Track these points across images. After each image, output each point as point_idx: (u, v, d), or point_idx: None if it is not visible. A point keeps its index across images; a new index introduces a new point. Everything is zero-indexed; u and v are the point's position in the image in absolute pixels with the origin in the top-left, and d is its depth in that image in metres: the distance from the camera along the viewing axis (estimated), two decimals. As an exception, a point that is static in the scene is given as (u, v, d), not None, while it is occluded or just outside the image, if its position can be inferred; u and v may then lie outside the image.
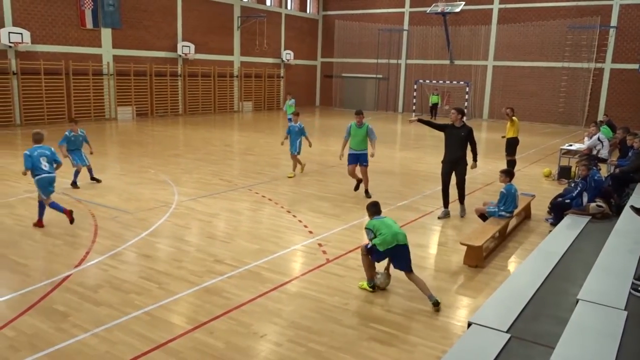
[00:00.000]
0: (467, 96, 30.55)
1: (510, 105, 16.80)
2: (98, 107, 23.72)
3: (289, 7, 34.48)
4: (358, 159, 10.59)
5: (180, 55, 26.92)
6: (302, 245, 7.73)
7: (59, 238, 7.71)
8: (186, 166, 13.59)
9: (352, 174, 10.81)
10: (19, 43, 20.12)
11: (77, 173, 11.02)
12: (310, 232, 8.32)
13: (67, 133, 11.20)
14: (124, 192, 10.57)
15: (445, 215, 9.44)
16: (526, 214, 9.56)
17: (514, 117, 12.68)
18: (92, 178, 11.40)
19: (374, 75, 34.80)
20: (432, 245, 8.14)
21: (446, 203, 9.54)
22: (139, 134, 20.14)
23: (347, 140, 10.84)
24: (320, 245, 7.71)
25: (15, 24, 20.23)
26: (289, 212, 9.45)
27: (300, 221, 8.91)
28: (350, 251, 7.47)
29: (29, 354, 4.62)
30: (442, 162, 9.51)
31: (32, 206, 9.35)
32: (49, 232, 7.96)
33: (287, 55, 34.03)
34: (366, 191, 10.73)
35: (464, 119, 9.47)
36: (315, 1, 36.76)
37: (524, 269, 5.87)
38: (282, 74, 34.39)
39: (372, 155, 10.56)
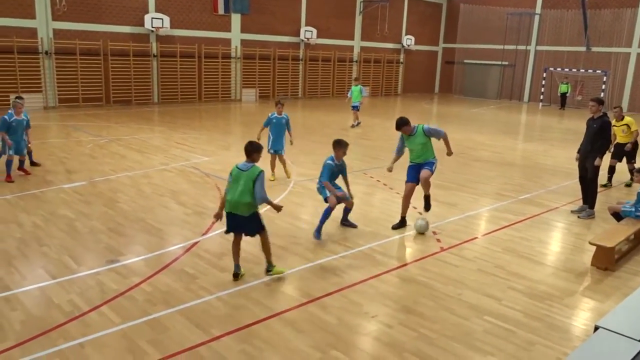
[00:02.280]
0: (603, 86, 27.96)
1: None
2: (225, 88, 25.20)
3: (412, -9, 33.80)
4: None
5: (302, 40, 27.62)
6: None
7: (190, 207, 8.37)
8: (304, 147, 13.99)
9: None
10: (160, 28, 21.93)
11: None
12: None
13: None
14: (246, 169, 11.16)
15: (581, 210, 8.75)
16: (669, 217, 8.59)
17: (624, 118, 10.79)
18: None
19: (499, 62, 33.05)
20: (555, 243, 7.64)
21: (584, 198, 8.83)
22: (261, 115, 21.06)
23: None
24: (434, 233, 7.58)
25: (157, 10, 22.06)
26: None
27: (414, 208, 8.81)
28: (465, 241, 7.27)
29: (163, 308, 5.11)
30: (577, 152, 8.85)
31: (167, 177, 10.25)
32: (181, 201, 8.67)
33: (408, 40, 33.45)
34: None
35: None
36: (440, -16, 35.63)
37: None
38: (401, 60, 33.93)
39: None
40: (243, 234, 5.90)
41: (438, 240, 7.27)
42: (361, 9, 30.35)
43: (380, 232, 7.56)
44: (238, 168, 5.84)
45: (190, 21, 23.37)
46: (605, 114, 8.45)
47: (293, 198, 9.15)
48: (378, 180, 10.63)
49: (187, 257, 6.40)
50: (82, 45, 20.23)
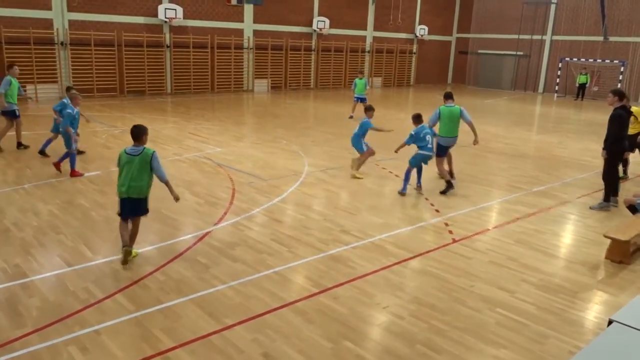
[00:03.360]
0: (620, 77, 27.51)
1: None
2: (237, 79, 25.21)
3: (426, -19, 33.43)
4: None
5: (315, 30, 27.50)
6: (428, 223, 7.65)
7: (203, 198, 8.43)
8: (316, 138, 14.00)
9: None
10: (173, 18, 21.97)
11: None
12: (437, 210, 8.18)
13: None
14: (259, 160, 11.21)
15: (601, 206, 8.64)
16: (686, 210, 8.47)
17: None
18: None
19: (514, 52, 32.64)
20: (569, 236, 7.58)
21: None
22: (273, 106, 21.10)
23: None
24: (446, 224, 7.56)
25: (170, 0, 22.09)
26: (415, 189, 9.36)
27: (427, 199, 8.80)
28: (477, 233, 7.24)
29: (176, 297, 5.17)
30: None
31: (180, 167, 10.32)
32: (194, 191, 8.73)
33: (422, 30, 33.14)
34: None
35: (625, 101, 8.43)
36: (455, -27, 35.19)
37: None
38: (414, 50, 33.66)
39: None
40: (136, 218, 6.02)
41: (450, 232, 7.25)
42: (374, -1, 30.12)
43: (392, 223, 7.56)
44: (127, 153, 5.85)
45: (203, 12, 23.36)
46: (622, 106, 8.31)
47: (305, 189, 9.17)
48: (390, 172, 10.61)
49: (200, 246, 6.46)
50: (97, 36, 20.36)
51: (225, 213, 7.72)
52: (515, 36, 32.24)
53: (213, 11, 23.67)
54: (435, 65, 35.59)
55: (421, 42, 33.89)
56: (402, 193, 8.98)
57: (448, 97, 9.85)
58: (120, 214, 5.95)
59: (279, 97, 24.27)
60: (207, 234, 6.88)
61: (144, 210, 6.06)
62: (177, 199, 6.07)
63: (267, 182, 9.50)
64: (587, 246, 7.07)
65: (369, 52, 30.79)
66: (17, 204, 7.79)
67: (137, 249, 6.24)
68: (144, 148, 5.88)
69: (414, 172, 9.11)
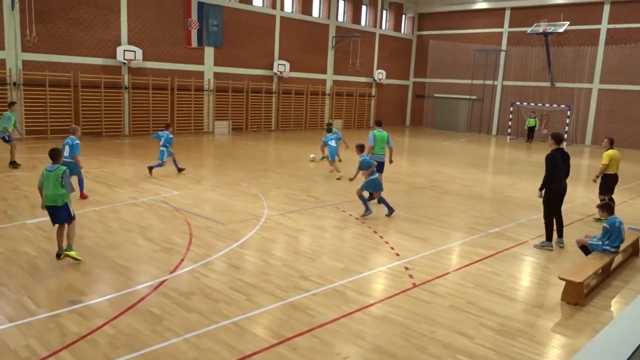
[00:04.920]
0: (568, 120, 28.88)
1: (610, 135, 12.65)
2: (198, 121, 25.10)
3: (383, 27, 34.65)
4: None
5: (275, 73, 27.87)
6: (388, 267, 7.62)
7: (158, 244, 8.17)
8: (276, 181, 13.94)
9: None
10: (132, 60, 21.85)
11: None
12: (397, 254, 8.18)
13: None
14: (218, 204, 11.03)
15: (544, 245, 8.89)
16: (634, 250, 8.78)
17: (609, 150, 10.87)
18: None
19: (468, 96, 33.94)
20: (525, 278, 7.69)
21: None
22: (233, 148, 21.02)
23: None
24: (406, 268, 7.55)
25: (130, 42, 22.03)
26: (375, 232, 9.37)
27: (386, 242, 8.80)
28: (438, 277, 7.25)
29: (126, 352, 4.90)
30: None
31: (135, 212, 10.03)
32: (149, 237, 8.46)
33: (380, 74, 34.13)
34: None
35: (564, 144, 8.91)
36: (410, 21, 36.66)
37: (634, 311, 5.36)
38: (373, 93, 34.51)
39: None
40: (65, 224, 7.25)
41: (410, 276, 7.23)
42: (333, 44, 30.92)
43: (352, 267, 7.50)
44: (47, 170, 7.31)
45: (163, 54, 23.36)
46: (558, 149, 8.72)
47: (264, 233, 9.03)
48: (350, 215, 10.61)
49: (154, 297, 6.19)
50: (52, 76, 19.97)
51: (182, 260, 7.48)
52: (469, 81, 33.59)
53: (173, 53, 23.71)
54: (394, 108, 36.53)
55: (380, 85, 34.82)
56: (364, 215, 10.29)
57: (379, 124, 12.34)
58: (52, 222, 7.27)
59: (239, 139, 24.23)
60: (162, 282, 6.63)
61: (66, 218, 7.26)
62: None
63: (225, 226, 9.32)
64: (543, 288, 7.17)
65: (329, 95, 31.35)
66: (-43, 253, 7.35)
67: (87, 301, 5.94)
68: (58, 166, 7.34)
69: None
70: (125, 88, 22.27)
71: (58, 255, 7.24)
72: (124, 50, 21.62)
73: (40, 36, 19.43)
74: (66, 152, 10.71)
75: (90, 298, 6.06)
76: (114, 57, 21.59)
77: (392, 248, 8.49)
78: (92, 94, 21.24)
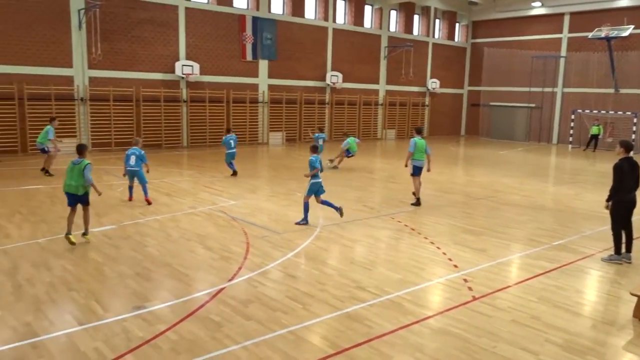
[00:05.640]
0: (634, 128, 27.47)
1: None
2: (252, 132, 25.62)
3: (436, 36, 34.27)
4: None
5: (328, 85, 28.08)
6: (446, 279, 7.45)
7: (216, 252, 8.35)
8: (329, 191, 13.92)
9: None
10: (190, 74, 22.61)
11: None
12: (455, 266, 7.99)
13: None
14: (273, 213, 11.17)
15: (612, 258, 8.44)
16: None
17: None
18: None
19: (526, 104, 32.93)
20: (593, 293, 7.31)
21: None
22: (287, 158, 21.26)
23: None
24: (465, 280, 7.36)
25: (187, 57, 22.82)
26: (432, 243, 9.21)
27: (444, 253, 8.62)
28: (498, 290, 7.02)
29: (187, 358, 5.01)
30: None
31: (195, 221, 10.30)
32: (208, 246, 8.66)
33: (433, 83, 33.73)
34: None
35: (631, 153, 8.42)
36: (464, 29, 36.10)
37: None
38: (427, 103, 34.12)
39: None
40: (78, 206, 8.59)
41: (470, 289, 7.04)
42: (386, 54, 30.84)
43: (409, 279, 7.38)
44: (73, 163, 8.49)
45: (219, 68, 24.04)
46: (627, 158, 8.27)
47: (319, 243, 9.06)
48: (406, 225, 10.48)
49: (213, 304, 6.32)
50: (116, 91, 20.96)
51: (240, 268, 7.61)
52: (527, 89, 32.60)
53: (229, 67, 24.36)
54: (448, 118, 35.96)
55: (433, 95, 34.40)
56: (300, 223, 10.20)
57: (419, 131, 12.69)
58: (68, 204, 8.58)
59: (293, 149, 24.50)
60: (220, 290, 6.76)
61: (84, 202, 8.62)
62: (99, 193, 8.86)
63: (281, 235, 9.41)
64: (614, 304, 6.80)
65: (381, 105, 31.25)
66: (31, 259, 7.77)
67: (150, 306, 6.15)
68: (82, 160, 8.49)
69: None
70: (184, 101, 23.04)
71: (67, 235, 8.43)
72: (182, 65, 22.42)
73: (104, 54, 20.44)
74: (132, 162, 11.55)
75: (153, 304, 6.26)
76: (173, 72, 22.42)
77: (450, 259, 8.31)
78: (152, 108, 22.12)
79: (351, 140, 18.01)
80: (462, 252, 8.70)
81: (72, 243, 8.39)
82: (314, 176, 10.21)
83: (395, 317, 6.08)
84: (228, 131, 16.30)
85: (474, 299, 6.69)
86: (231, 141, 15.56)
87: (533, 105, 32.65)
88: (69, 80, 19.96)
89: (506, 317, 6.17)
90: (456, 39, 35.77)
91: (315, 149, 10.53)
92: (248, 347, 5.28)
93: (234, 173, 15.67)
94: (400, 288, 6.99)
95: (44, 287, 6.70)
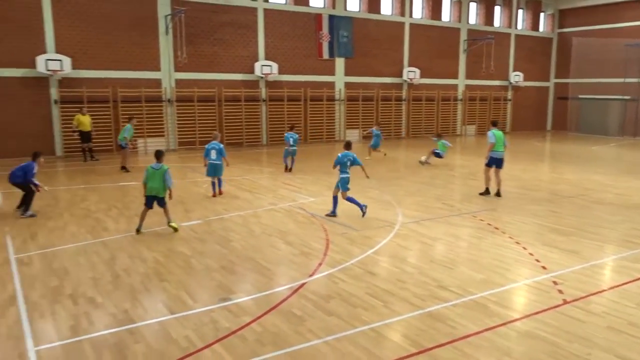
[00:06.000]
0: None
1: None
2: (330, 130, 25.82)
3: (519, 27, 32.79)
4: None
5: (405, 81, 27.72)
6: (534, 280, 7.13)
7: (297, 248, 8.51)
8: (409, 188, 13.80)
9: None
10: (269, 74, 23.16)
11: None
12: (544, 267, 7.63)
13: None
14: (351, 210, 11.18)
15: None
16: None
17: None
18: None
19: (620, 96, 30.71)
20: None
21: None
22: (364, 155, 21.17)
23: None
24: (555, 283, 7.00)
25: (266, 58, 23.38)
26: (517, 243, 8.84)
27: (531, 254, 8.25)
28: (592, 294, 6.62)
29: (272, 350, 5.15)
30: None
31: (275, 217, 10.56)
32: (289, 241, 8.85)
33: (516, 77, 32.32)
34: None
35: None
36: (550, 18, 34.26)
37: None
38: (509, 97, 32.77)
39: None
40: (154, 206, 9.27)
41: (560, 292, 6.69)
42: (465, 48, 29.94)
43: (493, 279, 7.14)
44: (152, 168, 9.18)
45: (296, 67, 24.44)
46: None
47: (399, 240, 8.97)
48: (489, 224, 10.14)
49: (295, 299, 6.45)
50: (200, 92, 21.89)
51: (320, 264, 7.71)
52: (621, 79, 30.39)
53: (306, 66, 24.69)
54: (532, 112, 34.34)
55: (516, 88, 32.97)
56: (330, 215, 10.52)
57: (495, 124, 12.86)
58: (145, 204, 9.27)
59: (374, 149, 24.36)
60: (301, 285, 6.88)
61: (161, 204, 9.28)
62: (170, 197, 9.42)
63: (360, 232, 9.42)
64: None
65: (461, 100, 30.40)
66: (127, 251, 8.31)
67: (235, 299, 6.38)
68: (162, 165, 9.21)
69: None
70: (263, 101, 23.64)
71: (137, 230, 9.20)
72: (261, 65, 23.00)
73: (189, 57, 21.39)
74: (213, 155, 12.25)
75: (238, 296, 6.49)
76: (253, 72, 23.06)
77: (538, 260, 7.94)
78: (233, 107, 22.90)
79: (441, 143, 18.02)
80: (550, 253, 8.28)
81: (175, 228, 9.35)
82: (342, 172, 10.43)
83: (479, 318, 5.90)
84: (291, 128, 16.65)
85: (565, 302, 6.35)
86: (290, 139, 15.90)
87: (628, 97, 30.39)
88: (157, 82, 21.10)
89: (601, 322, 5.81)
90: (541, 29, 34.03)
91: (348, 146, 10.78)
92: (330, 342, 5.34)
93: (287, 169, 16.15)
94: (484, 289, 6.77)
95: (139, 277, 7.14)
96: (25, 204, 10.49)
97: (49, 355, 5.07)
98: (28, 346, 5.23)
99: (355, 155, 10.62)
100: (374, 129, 20.27)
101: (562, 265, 7.71)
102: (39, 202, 11.35)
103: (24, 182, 10.42)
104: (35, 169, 10.61)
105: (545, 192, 13.41)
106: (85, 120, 18.00)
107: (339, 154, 10.55)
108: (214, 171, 12.34)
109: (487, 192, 12.71)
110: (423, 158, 18.35)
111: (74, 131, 18.26)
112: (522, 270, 7.54)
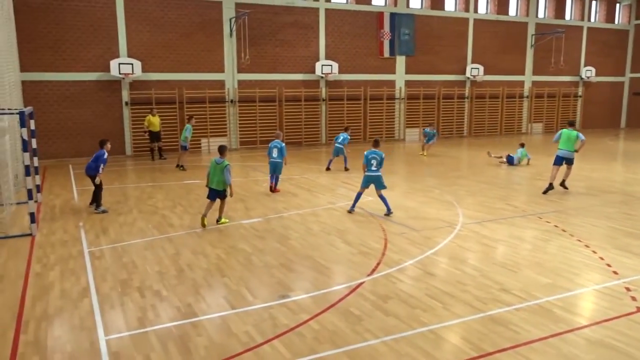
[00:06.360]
0: None
1: None
2: (389, 128, 25.61)
3: (592, 19, 31.16)
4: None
5: (468, 78, 27.03)
6: (604, 286, 6.77)
7: (355, 247, 8.51)
8: (470, 188, 13.46)
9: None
10: (329, 74, 23.26)
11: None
12: (615, 272, 7.23)
13: None
14: (411, 210, 11.07)
15: None
16: None
17: None
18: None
19: None
20: None
21: None
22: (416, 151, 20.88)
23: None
24: (628, 289, 6.61)
25: (327, 57, 23.49)
26: (587, 246, 8.42)
27: (601, 258, 7.84)
28: (670, 302, 6.20)
29: (329, 348, 5.18)
30: None
31: (334, 216, 10.60)
32: (347, 240, 8.86)
33: (588, 72, 30.75)
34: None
35: None
36: (626, 9, 32.32)
37: None
38: (580, 93, 31.22)
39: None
40: (217, 199, 9.74)
41: (633, 299, 6.32)
42: (532, 43, 28.80)
43: (560, 283, 6.84)
44: (215, 162, 9.61)
45: (356, 66, 24.39)
46: None
47: (459, 241, 8.77)
48: (556, 226, 9.71)
49: (353, 298, 6.45)
50: (261, 93, 22.32)
51: (378, 264, 7.67)
52: None
53: (366, 64, 24.60)
54: (605, 108, 32.55)
55: (587, 84, 31.37)
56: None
57: (571, 124, 12.98)
58: (208, 197, 9.76)
59: (431, 145, 23.94)
60: (360, 284, 6.87)
61: (222, 196, 9.71)
62: (231, 195, 9.82)
63: (419, 232, 9.29)
64: None
65: (527, 97, 29.29)
66: (191, 247, 8.61)
67: (294, 296, 6.47)
68: (223, 160, 9.58)
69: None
70: (323, 100, 23.78)
71: (203, 217, 9.67)
72: (322, 65, 23.13)
73: (252, 58, 21.85)
74: (275, 154, 12.68)
75: (297, 294, 6.57)
76: (313, 72, 23.24)
77: (609, 265, 7.53)
78: (293, 107, 23.18)
79: (523, 154, 17.50)
80: (623, 258, 7.83)
81: (203, 226, 9.62)
82: (368, 170, 10.54)
83: (544, 323, 5.67)
84: (345, 130, 16.93)
85: (639, 310, 5.99)
86: (340, 138, 16.26)
87: None
88: (221, 84, 21.70)
89: (680, 333, 5.44)
90: (616, 21, 32.18)
91: (376, 144, 10.79)
92: (388, 342, 5.30)
93: (328, 168, 16.41)
94: (550, 293, 6.50)
95: (201, 273, 7.38)
96: (95, 200, 11.09)
97: (118, 344, 5.34)
98: (100, 336, 5.53)
99: (383, 154, 10.59)
100: (427, 129, 20.45)
101: (636, 270, 7.28)
102: (110, 199, 11.99)
103: (96, 170, 10.86)
104: (106, 155, 11.08)
105: (617, 194, 12.70)
106: (155, 121, 18.80)
107: (365, 152, 10.66)
108: (273, 169, 12.79)
109: (550, 187, 12.45)
110: (495, 154, 18.04)
111: (144, 131, 19.11)
112: (591, 275, 7.18)
